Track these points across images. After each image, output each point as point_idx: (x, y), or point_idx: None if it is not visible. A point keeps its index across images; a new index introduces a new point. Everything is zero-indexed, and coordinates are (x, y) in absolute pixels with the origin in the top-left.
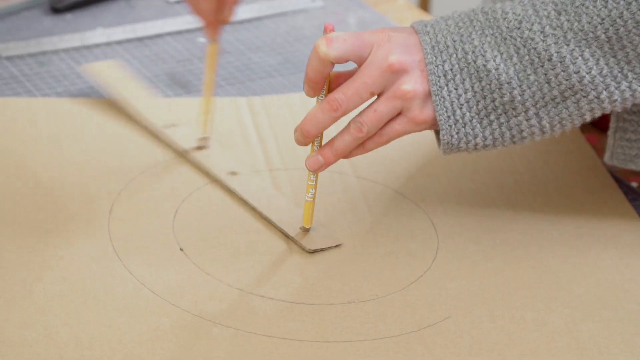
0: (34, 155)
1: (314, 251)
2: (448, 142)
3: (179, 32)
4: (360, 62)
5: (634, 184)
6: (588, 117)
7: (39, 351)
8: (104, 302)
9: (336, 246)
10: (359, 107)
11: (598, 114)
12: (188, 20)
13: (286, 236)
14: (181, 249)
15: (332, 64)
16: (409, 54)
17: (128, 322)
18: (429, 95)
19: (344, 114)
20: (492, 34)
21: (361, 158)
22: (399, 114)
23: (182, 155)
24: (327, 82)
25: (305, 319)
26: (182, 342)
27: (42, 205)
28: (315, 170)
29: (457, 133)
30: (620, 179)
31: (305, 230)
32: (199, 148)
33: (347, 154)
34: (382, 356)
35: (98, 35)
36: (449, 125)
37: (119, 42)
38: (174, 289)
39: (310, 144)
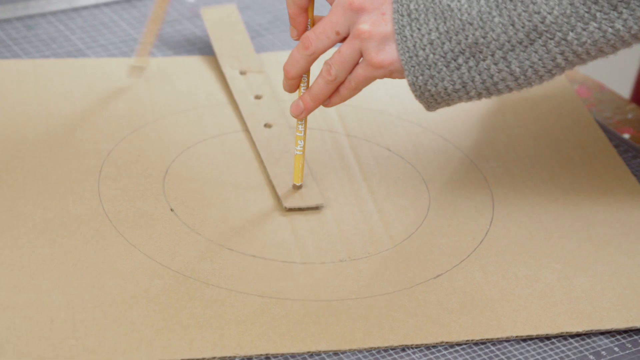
0: (23, 117)
1: (291, 209)
2: (414, 84)
3: None
4: (331, 0)
5: (626, 136)
6: (562, 62)
7: (30, 314)
8: (95, 265)
9: (316, 207)
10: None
11: (571, 58)
12: None
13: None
14: (172, 209)
15: None
16: None
17: (119, 284)
18: (387, 37)
19: (315, 53)
20: None
21: (352, 116)
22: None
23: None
24: (312, 25)
25: (297, 277)
26: (175, 303)
27: (31, 168)
28: (297, 116)
29: (422, 75)
30: (612, 130)
31: (296, 188)
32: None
33: (327, 102)
34: (374, 314)
35: None
36: (411, 66)
37: (107, 4)
38: (165, 250)
39: (298, 92)
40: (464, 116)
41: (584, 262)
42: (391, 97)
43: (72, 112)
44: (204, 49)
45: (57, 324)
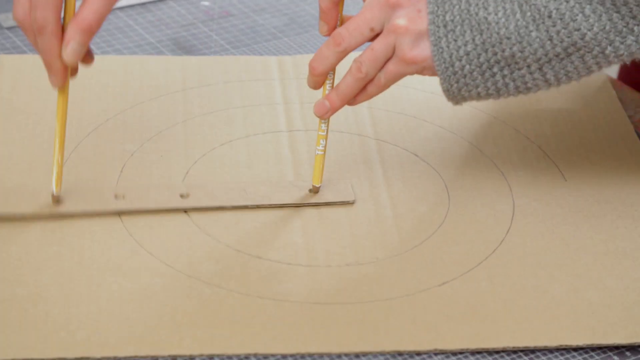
0: (47, 112)
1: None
2: (448, 90)
3: None
4: None
5: None
6: (595, 69)
7: (27, 307)
8: (99, 262)
9: (349, 202)
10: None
11: (605, 66)
12: None
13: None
14: (185, 211)
15: None
16: None
17: (119, 281)
18: (422, 34)
19: (346, 50)
20: None
21: (384, 121)
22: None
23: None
24: (340, 22)
25: (299, 280)
26: (171, 301)
27: (50, 167)
28: (322, 116)
29: (457, 82)
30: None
31: (315, 190)
32: None
33: (352, 100)
34: (371, 319)
35: None
36: (447, 76)
37: (121, 8)
38: (172, 250)
39: (322, 90)
40: (499, 125)
41: (596, 275)
42: (426, 102)
43: (103, 110)
44: (220, 52)
45: (51, 317)
